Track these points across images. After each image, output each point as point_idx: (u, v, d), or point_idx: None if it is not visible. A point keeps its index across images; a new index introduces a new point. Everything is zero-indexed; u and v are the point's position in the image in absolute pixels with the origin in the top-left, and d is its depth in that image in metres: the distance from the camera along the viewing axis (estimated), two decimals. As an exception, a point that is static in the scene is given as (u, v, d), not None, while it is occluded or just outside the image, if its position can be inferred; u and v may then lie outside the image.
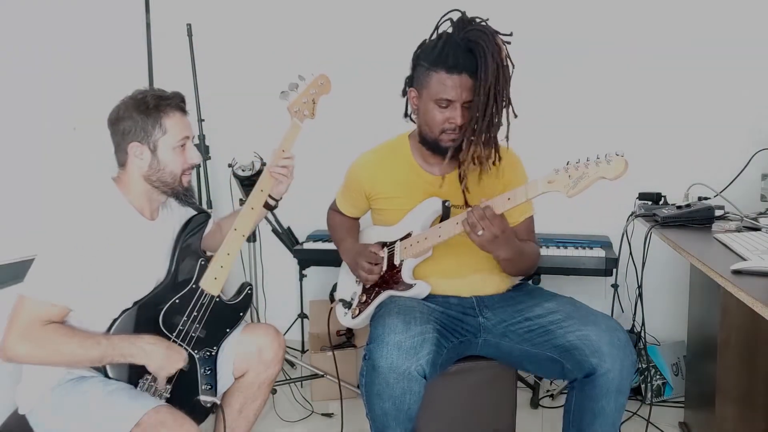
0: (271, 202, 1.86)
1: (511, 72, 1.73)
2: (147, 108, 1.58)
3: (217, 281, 1.70)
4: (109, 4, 2.83)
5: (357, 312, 1.94)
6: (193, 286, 1.68)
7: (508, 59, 1.72)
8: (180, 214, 1.75)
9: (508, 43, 1.73)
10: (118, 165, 1.64)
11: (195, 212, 1.76)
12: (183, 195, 1.68)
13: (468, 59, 1.70)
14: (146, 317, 1.60)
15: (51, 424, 1.53)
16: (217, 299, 1.71)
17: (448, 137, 1.77)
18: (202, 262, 1.71)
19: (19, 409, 1.58)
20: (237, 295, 1.78)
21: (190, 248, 1.70)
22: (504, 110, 1.72)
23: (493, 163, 1.79)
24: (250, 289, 1.81)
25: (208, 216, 1.79)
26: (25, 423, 1.56)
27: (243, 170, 2.36)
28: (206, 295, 1.69)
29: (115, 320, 1.56)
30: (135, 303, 1.59)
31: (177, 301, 1.65)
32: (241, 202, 2.54)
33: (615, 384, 1.62)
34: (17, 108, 2.13)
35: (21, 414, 1.57)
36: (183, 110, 1.64)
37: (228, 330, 1.75)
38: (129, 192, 1.63)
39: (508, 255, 1.72)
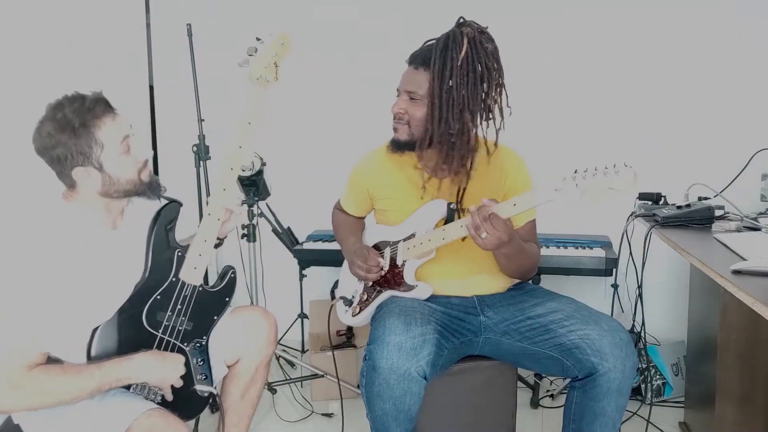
0: (216, 242, 1.74)
1: (482, 76, 1.68)
2: (73, 128, 1.44)
3: (197, 271, 1.64)
4: (109, 4, 2.83)
5: (357, 310, 1.94)
6: (173, 279, 1.62)
7: (476, 62, 1.67)
8: (147, 207, 1.68)
9: (491, 40, 1.71)
10: (67, 187, 1.53)
11: (167, 201, 1.67)
12: (148, 191, 1.59)
13: (425, 53, 1.74)
14: (129, 319, 1.56)
15: (45, 431, 1.51)
16: (200, 289, 1.65)
17: (394, 126, 1.82)
18: (179, 254, 1.64)
19: (12, 418, 1.55)
20: (220, 281, 1.72)
21: (164, 241, 1.63)
22: (468, 115, 1.70)
23: (467, 168, 1.78)
24: (233, 272, 1.74)
25: (180, 205, 1.68)
26: (20, 431, 1.53)
27: (243, 170, 2.36)
28: (188, 286, 1.63)
29: (94, 330, 1.52)
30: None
31: (158, 297, 1.60)
32: (241, 202, 2.54)
33: (616, 384, 1.62)
34: (17, 108, 2.12)
35: (16, 423, 1.54)
36: (111, 111, 1.50)
37: (215, 317, 1.70)
38: (85, 209, 1.54)
39: (509, 251, 1.70)
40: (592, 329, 1.65)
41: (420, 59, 1.75)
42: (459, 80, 1.67)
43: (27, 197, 2.11)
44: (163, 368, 1.54)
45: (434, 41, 1.74)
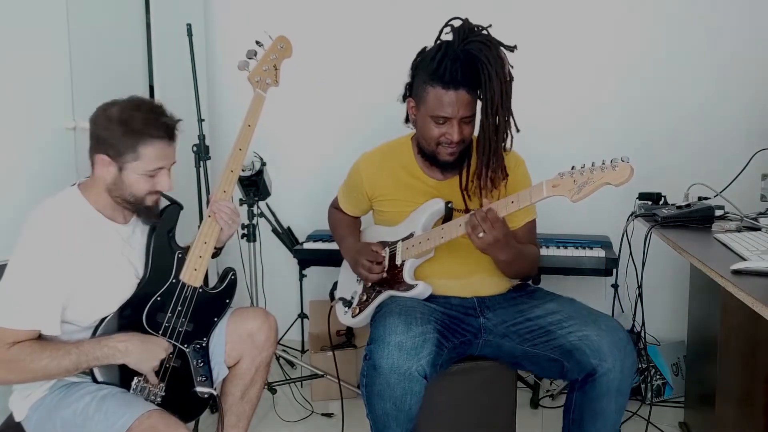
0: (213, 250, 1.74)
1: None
2: (131, 129, 1.49)
3: (197, 272, 1.65)
4: (109, 4, 2.82)
5: (357, 311, 1.94)
6: (173, 280, 1.64)
7: (509, 70, 1.70)
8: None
9: (511, 51, 1.72)
10: (91, 166, 1.57)
11: (168, 203, 1.69)
12: (144, 214, 1.61)
13: (467, 73, 1.68)
14: (129, 320, 1.57)
15: (45, 430, 1.51)
16: (200, 290, 1.67)
17: (446, 151, 1.77)
18: (180, 255, 1.65)
19: (14, 417, 1.56)
20: (220, 283, 1.73)
21: (165, 243, 1.65)
22: (507, 123, 1.73)
23: (503, 178, 1.79)
24: (234, 274, 1.75)
25: (180, 207, 1.71)
26: (22, 430, 1.54)
27: (243, 170, 2.36)
28: (188, 287, 1.64)
29: (96, 329, 1.53)
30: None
31: (159, 298, 1.61)
32: (241, 202, 2.54)
33: (615, 384, 1.62)
34: (16, 108, 2.12)
35: (17, 421, 1.55)
36: (170, 138, 1.56)
37: (216, 319, 1.71)
38: (97, 199, 1.57)
39: (507, 257, 1.72)
40: (591, 330, 1.65)
41: (462, 81, 1.68)
42: (505, 94, 1.68)
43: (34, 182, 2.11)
44: (143, 349, 1.54)
45: (440, 54, 1.70)
